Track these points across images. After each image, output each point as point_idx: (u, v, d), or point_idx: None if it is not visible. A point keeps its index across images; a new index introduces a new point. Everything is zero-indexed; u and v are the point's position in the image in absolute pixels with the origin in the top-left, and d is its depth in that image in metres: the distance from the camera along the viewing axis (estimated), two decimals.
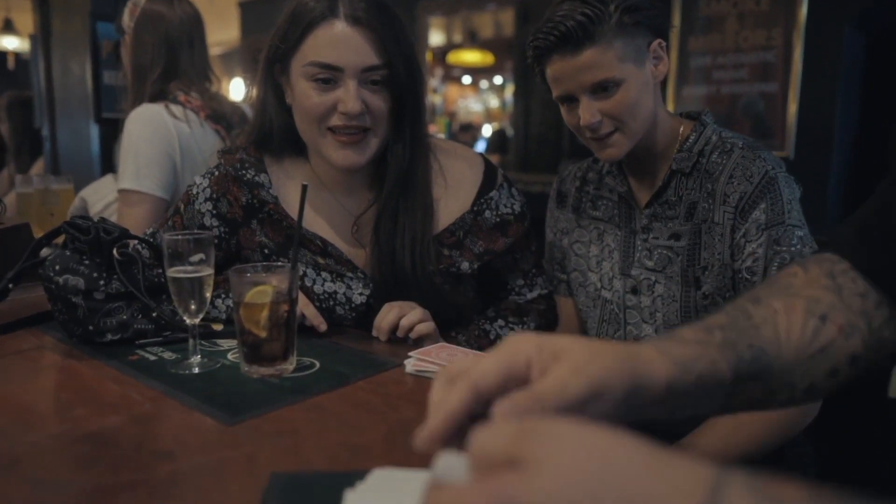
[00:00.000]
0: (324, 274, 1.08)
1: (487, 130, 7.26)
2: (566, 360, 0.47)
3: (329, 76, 0.98)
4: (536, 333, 0.49)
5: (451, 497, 0.35)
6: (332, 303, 1.08)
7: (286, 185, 1.11)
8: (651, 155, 1.09)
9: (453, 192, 1.10)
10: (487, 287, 1.19)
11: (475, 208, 1.11)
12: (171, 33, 1.62)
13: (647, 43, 1.02)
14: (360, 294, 1.07)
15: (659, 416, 0.50)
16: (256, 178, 1.09)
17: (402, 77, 1.01)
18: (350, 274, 1.08)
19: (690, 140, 1.07)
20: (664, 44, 1.04)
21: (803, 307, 0.58)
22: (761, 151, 1.02)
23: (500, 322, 1.15)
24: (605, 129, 1.02)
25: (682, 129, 1.09)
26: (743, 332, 0.56)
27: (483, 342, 1.11)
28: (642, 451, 0.35)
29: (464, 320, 1.14)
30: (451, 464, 0.38)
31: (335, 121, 1.00)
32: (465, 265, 1.10)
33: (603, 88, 0.99)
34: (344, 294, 1.07)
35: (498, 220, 1.12)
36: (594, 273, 1.17)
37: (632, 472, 0.33)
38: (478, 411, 0.46)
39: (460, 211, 1.10)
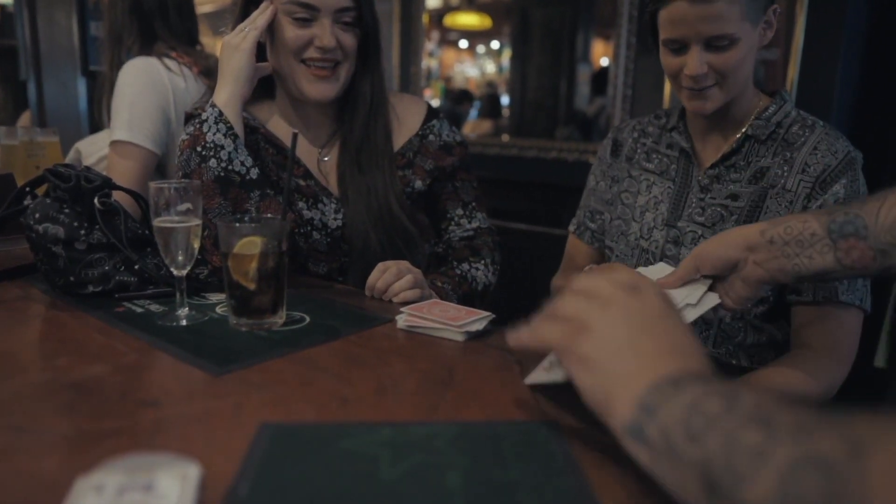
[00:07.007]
0: (301, 203, 1.16)
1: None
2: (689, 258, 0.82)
3: (307, 15, 1.09)
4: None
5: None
6: (309, 228, 1.16)
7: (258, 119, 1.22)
8: (728, 118, 1.10)
9: (403, 122, 1.25)
10: (430, 214, 1.29)
11: (420, 133, 1.24)
12: (140, 1, 1.58)
13: (766, 5, 1.01)
14: (334, 219, 1.17)
15: (773, 271, 0.73)
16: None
17: (368, 18, 1.14)
18: (325, 199, 1.17)
19: (769, 111, 1.08)
20: (778, 10, 1.04)
21: None
22: (842, 135, 1.05)
23: (465, 265, 1.22)
24: (708, 82, 1.02)
25: (760, 101, 1.10)
26: (843, 205, 0.65)
27: (465, 287, 1.18)
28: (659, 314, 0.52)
29: (419, 248, 1.22)
30: None
31: (310, 53, 1.11)
32: (418, 183, 1.22)
33: (717, 46, 0.98)
34: (320, 220, 1.16)
35: (442, 143, 1.25)
36: (636, 223, 1.19)
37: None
38: None
39: (409, 135, 1.24)
